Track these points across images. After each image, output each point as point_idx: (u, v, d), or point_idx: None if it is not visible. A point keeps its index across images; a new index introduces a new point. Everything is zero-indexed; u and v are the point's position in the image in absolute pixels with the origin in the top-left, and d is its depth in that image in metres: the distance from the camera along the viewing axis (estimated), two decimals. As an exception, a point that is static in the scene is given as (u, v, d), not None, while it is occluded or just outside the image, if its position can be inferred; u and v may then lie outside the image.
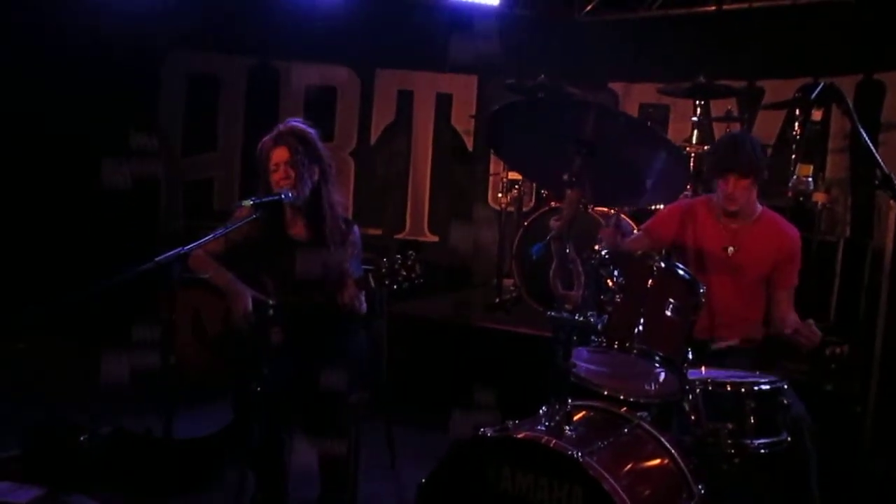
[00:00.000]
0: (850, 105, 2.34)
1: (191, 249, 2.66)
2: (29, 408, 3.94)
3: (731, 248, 3.15)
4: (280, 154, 3.17)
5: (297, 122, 3.27)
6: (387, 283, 2.99)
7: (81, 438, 3.42)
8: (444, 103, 6.25)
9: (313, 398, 3.03)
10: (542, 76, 5.09)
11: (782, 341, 3.18)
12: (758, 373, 2.80)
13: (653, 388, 2.73)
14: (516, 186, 5.23)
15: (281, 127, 3.24)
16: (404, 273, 2.98)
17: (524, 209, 5.42)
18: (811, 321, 2.94)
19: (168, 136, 6.20)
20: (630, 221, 4.58)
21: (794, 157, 4.35)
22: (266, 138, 3.23)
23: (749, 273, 3.14)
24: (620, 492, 2.15)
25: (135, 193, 5.84)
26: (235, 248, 3.25)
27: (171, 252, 2.55)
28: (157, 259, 2.51)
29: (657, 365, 2.54)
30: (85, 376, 4.48)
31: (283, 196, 3.08)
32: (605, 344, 2.45)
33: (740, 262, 3.14)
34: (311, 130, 3.25)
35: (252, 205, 2.99)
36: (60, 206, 5.57)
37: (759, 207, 3.23)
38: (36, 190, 5.50)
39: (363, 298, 3.20)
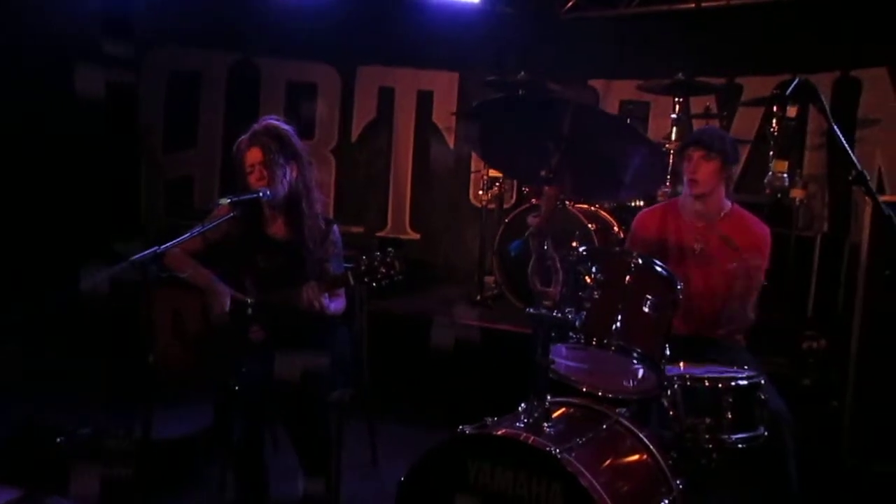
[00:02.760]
0: (825, 102, 2.36)
1: (167, 248, 2.65)
2: (8, 409, 3.90)
3: (698, 245, 3.19)
4: (254, 155, 3.15)
5: (273, 120, 3.24)
6: (366, 280, 2.98)
7: (58, 440, 3.40)
8: (425, 100, 6.24)
9: (293, 396, 3.03)
10: (523, 73, 5.10)
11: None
12: (735, 368, 2.83)
13: (631, 384, 2.74)
14: (497, 183, 5.24)
15: (256, 126, 3.20)
16: (384, 270, 2.96)
17: (505, 206, 5.43)
18: None
19: (148, 133, 6.17)
20: (610, 217, 4.61)
21: (771, 153, 4.39)
22: (242, 138, 3.20)
23: (719, 268, 3.16)
24: (599, 488, 2.17)
25: (116, 191, 5.83)
26: (214, 246, 3.23)
27: (147, 251, 2.54)
28: (132, 258, 2.50)
29: (635, 361, 2.55)
30: (65, 377, 4.45)
31: (260, 194, 3.06)
32: (583, 340, 2.46)
33: (709, 258, 3.17)
34: (286, 127, 3.22)
35: (230, 203, 2.98)
36: (42, 205, 5.51)
37: (728, 204, 3.26)
38: (17, 189, 5.44)
39: (330, 298, 3.14)
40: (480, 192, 5.32)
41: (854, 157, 2.27)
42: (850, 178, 2.24)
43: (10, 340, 4.91)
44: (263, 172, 3.12)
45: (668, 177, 4.22)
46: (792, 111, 2.40)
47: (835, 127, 2.26)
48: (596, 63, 5.85)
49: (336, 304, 3.21)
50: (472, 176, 6.05)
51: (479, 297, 5.08)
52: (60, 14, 5.33)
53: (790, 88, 2.37)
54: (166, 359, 3.31)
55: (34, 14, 5.35)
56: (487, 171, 5.23)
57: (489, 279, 5.19)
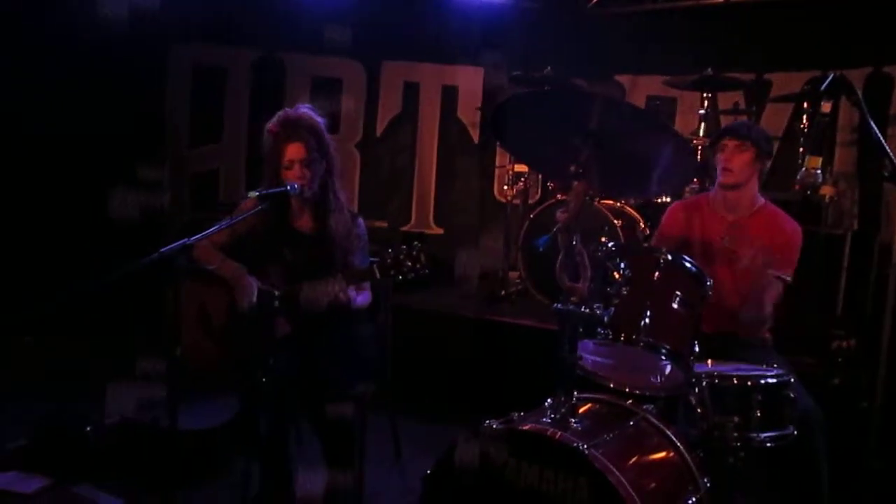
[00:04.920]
0: (860, 97, 2.33)
1: (196, 241, 2.66)
2: (36, 400, 3.95)
3: (726, 238, 3.16)
4: (296, 151, 3.12)
5: (307, 110, 3.21)
6: (392, 273, 2.97)
7: (87, 429, 3.44)
8: (450, 95, 6.24)
9: (318, 390, 3.03)
10: (549, 68, 5.08)
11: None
12: (764, 366, 2.80)
13: (659, 380, 2.72)
14: (522, 179, 5.22)
15: (291, 113, 3.17)
16: (409, 264, 2.95)
17: (530, 201, 5.41)
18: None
19: (174, 128, 6.21)
20: (636, 214, 4.58)
21: (802, 150, 4.34)
22: (273, 125, 3.17)
23: (745, 263, 3.13)
24: (626, 484, 2.15)
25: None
26: (241, 239, 3.24)
27: (176, 243, 2.55)
28: (161, 250, 2.51)
29: (663, 358, 2.53)
30: (92, 368, 4.51)
31: (289, 188, 3.06)
32: (611, 336, 2.44)
33: (735, 252, 3.13)
34: (320, 120, 3.21)
35: (258, 196, 2.98)
36: (67, 200, 5.57)
37: (761, 200, 3.23)
38: (42, 184, 5.50)
39: (354, 293, 3.14)
40: (505, 188, 5.31)
41: (890, 152, 2.23)
42: (886, 174, 2.21)
43: (38, 332, 4.99)
44: (304, 172, 3.11)
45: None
46: (826, 107, 2.37)
47: (870, 122, 2.23)
48: (622, 58, 5.82)
49: (362, 298, 3.21)
50: (497, 171, 6.04)
51: (503, 293, 5.07)
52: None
53: (824, 84, 2.34)
54: (192, 351, 3.33)
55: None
56: (513, 167, 5.21)
57: (513, 275, 5.17)
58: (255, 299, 3.11)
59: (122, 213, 3.98)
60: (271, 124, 3.18)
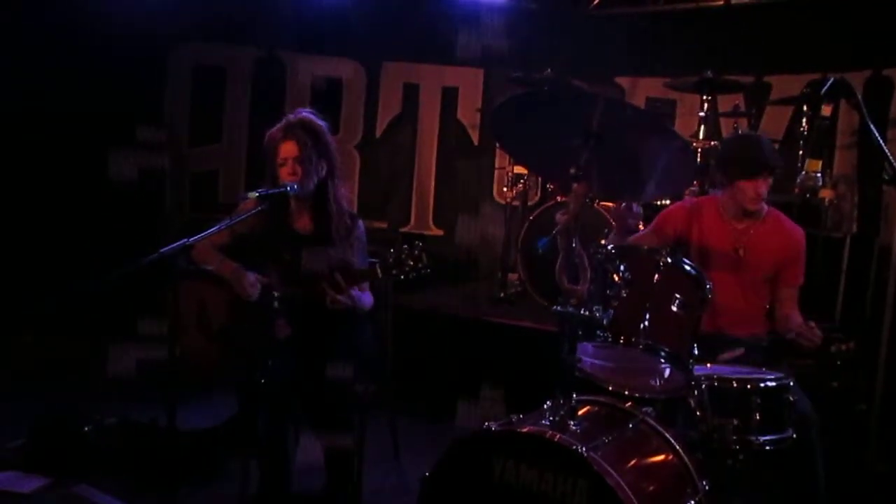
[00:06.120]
0: (860, 100, 2.33)
1: (196, 241, 2.66)
2: (36, 400, 3.95)
3: (741, 249, 3.14)
4: (288, 149, 3.14)
5: (308, 114, 3.23)
6: (394, 273, 2.98)
7: (86, 428, 3.44)
8: (450, 97, 6.24)
9: (318, 390, 3.04)
10: (549, 70, 5.08)
11: (785, 341, 3.18)
12: (763, 369, 2.80)
13: (658, 383, 2.72)
14: (522, 180, 5.22)
15: (291, 117, 3.20)
16: (411, 263, 2.96)
17: (529, 203, 5.41)
18: (813, 323, 2.93)
19: (174, 128, 6.21)
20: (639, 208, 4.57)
21: (801, 153, 4.34)
22: (275, 129, 3.19)
23: (755, 271, 3.14)
24: (625, 487, 2.15)
25: (140, 186, 5.87)
26: (241, 240, 3.24)
27: (177, 243, 2.55)
28: (161, 250, 2.51)
29: (663, 360, 2.53)
30: (91, 368, 4.51)
31: (288, 188, 3.07)
32: (610, 339, 2.44)
33: (748, 261, 3.13)
34: (321, 123, 3.23)
35: (258, 197, 2.99)
36: (67, 199, 5.57)
37: (765, 206, 3.23)
38: (42, 183, 5.50)
39: (358, 293, 3.15)
40: (505, 189, 5.31)
41: (890, 156, 2.24)
42: (886, 177, 2.21)
43: (37, 332, 4.98)
44: (297, 168, 3.13)
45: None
46: (826, 110, 2.37)
47: (870, 125, 2.23)
48: (622, 60, 5.82)
49: (366, 298, 3.22)
50: (497, 172, 6.04)
51: (502, 295, 5.07)
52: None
53: (825, 87, 2.34)
54: (192, 351, 3.33)
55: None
56: (512, 168, 5.22)
57: (513, 276, 5.18)
58: (258, 287, 3.11)
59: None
60: (272, 130, 3.20)
